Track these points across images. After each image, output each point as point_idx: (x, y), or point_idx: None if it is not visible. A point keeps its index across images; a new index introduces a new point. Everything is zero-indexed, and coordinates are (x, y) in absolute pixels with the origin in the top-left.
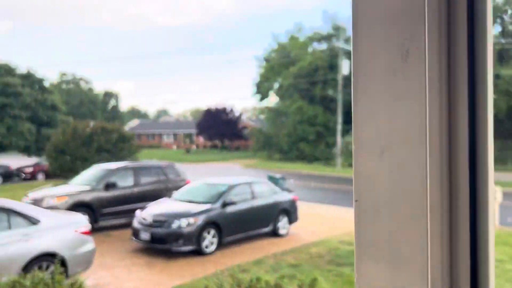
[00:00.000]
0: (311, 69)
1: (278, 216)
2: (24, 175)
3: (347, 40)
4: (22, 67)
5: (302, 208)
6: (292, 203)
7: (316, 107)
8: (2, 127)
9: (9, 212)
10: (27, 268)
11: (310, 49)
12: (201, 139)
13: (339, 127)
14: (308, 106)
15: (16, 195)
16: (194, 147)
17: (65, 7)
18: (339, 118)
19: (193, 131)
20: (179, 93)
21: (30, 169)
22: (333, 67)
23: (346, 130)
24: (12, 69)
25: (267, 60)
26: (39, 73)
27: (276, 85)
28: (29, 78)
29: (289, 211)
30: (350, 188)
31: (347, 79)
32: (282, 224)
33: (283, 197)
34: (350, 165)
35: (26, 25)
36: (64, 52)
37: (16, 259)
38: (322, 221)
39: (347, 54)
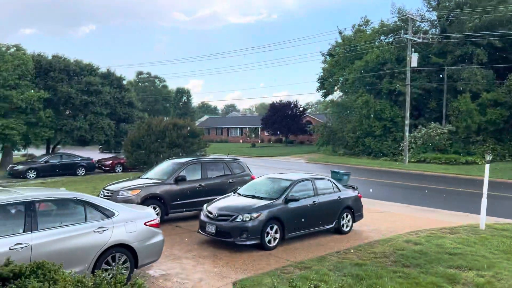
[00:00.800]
0: (378, 63)
1: (342, 213)
2: (104, 167)
3: (416, 32)
4: (102, 67)
5: (367, 205)
6: (357, 200)
7: (383, 101)
8: (85, 123)
9: (86, 205)
10: (101, 258)
11: (376, 43)
12: (266, 134)
13: (407, 121)
14: (375, 100)
15: (96, 186)
16: (259, 141)
17: (142, 10)
18: (407, 113)
19: (259, 125)
20: (246, 89)
21: (109, 162)
22: (400, 60)
23: (414, 125)
24: (94, 69)
25: (331, 54)
26: (117, 72)
27: (340, 80)
28: (108, 77)
29: (353, 209)
30: (418, 185)
31: (415, 72)
32: (346, 221)
33: (347, 194)
34: (418, 160)
35: (107, 27)
36: (141, 52)
37: (91, 250)
38: (388, 219)
39: (416, 46)
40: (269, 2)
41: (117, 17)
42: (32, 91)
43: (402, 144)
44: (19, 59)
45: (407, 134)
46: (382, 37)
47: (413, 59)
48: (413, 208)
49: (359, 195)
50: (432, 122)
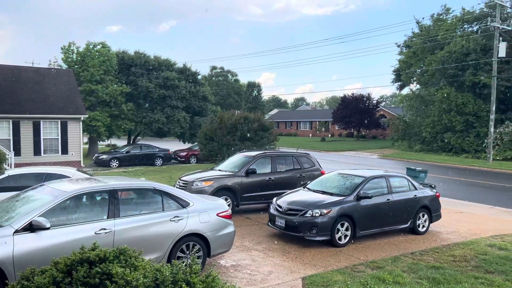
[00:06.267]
0: (460, 53)
1: (418, 212)
2: (179, 158)
3: (505, 19)
4: (179, 62)
5: (446, 205)
6: (434, 200)
7: (466, 94)
8: (162, 116)
9: (163, 195)
10: (176, 246)
11: (458, 32)
12: (336, 128)
13: (492, 116)
14: (456, 93)
15: (172, 176)
16: (329, 135)
17: (220, 4)
18: (493, 107)
19: (329, 119)
20: (318, 82)
21: (184, 153)
22: (486, 50)
23: (501, 120)
24: (171, 64)
25: (408, 46)
26: (192, 67)
27: (418, 72)
28: (184, 72)
29: (430, 208)
30: (504, 185)
31: (503, 62)
32: (422, 221)
33: (424, 192)
34: (505, 158)
35: (186, 23)
36: (216, 47)
37: (168, 238)
38: (469, 221)
39: (505, 35)
40: None
41: (196, 12)
42: (116, 85)
43: (486, 141)
44: (105, 56)
45: (492, 129)
46: (465, 26)
47: (501, 49)
48: (498, 210)
49: (437, 194)
50: None
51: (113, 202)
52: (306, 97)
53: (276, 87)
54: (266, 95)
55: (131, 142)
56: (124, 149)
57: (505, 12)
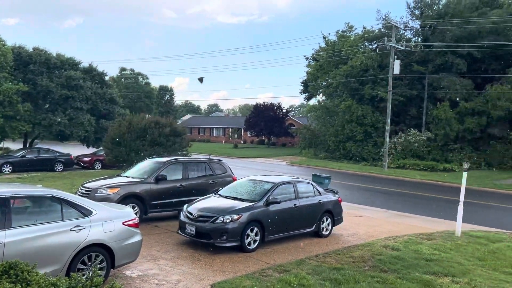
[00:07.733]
0: (361, 69)
1: (322, 217)
2: (82, 164)
3: (399, 40)
4: (86, 62)
5: (346, 209)
6: (337, 204)
7: (365, 107)
8: (64, 118)
9: (63, 203)
10: (76, 257)
11: (360, 49)
12: (248, 135)
13: (387, 127)
14: (357, 106)
15: (74, 183)
16: (241, 142)
17: (131, 4)
18: (388, 119)
19: (242, 126)
20: (231, 89)
21: (88, 159)
22: (383, 66)
23: (395, 131)
24: (75, 63)
25: (315, 59)
26: (100, 67)
27: (324, 84)
28: (90, 72)
29: (333, 213)
30: (397, 190)
31: (397, 79)
32: (325, 225)
33: (327, 197)
34: (398, 166)
35: (94, 21)
36: (127, 48)
37: (67, 249)
38: (367, 224)
39: (399, 54)
40: (261, 3)
41: (105, 11)
42: (11, 83)
43: (382, 150)
44: None
45: (387, 140)
46: (366, 43)
47: (396, 66)
48: (391, 213)
49: (339, 199)
50: (412, 129)
51: (3, 211)
52: (219, 104)
53: (190, 92)
54: (179, 100)
55: (27, 146)
56: (19, 153)
57: (399, 33)
